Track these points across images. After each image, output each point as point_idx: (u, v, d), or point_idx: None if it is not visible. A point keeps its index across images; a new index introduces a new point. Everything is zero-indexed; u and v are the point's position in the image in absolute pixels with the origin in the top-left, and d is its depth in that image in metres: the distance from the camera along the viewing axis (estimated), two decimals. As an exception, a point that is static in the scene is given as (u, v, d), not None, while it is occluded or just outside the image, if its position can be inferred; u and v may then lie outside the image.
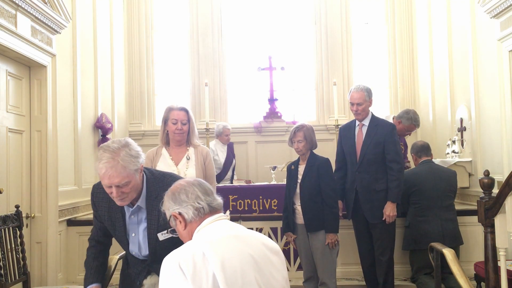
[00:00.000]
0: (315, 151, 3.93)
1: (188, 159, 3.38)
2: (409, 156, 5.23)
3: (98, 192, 2.50)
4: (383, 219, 3.98)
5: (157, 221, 2.28)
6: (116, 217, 2.39)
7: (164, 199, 1.85)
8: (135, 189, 2.23)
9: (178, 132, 3.28)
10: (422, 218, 4.31)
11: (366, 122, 4.13)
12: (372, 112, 4.19)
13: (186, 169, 3.30)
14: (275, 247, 1.75)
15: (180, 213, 1.77)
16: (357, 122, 4.18)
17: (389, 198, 3.97)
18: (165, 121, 3.37)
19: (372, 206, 4.01)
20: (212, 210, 1.77)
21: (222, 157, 6.04)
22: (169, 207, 1.81)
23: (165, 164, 3.30)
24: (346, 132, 4.26)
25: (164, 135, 3.39)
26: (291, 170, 4.01)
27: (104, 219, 2.48)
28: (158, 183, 2.32)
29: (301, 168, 3.91)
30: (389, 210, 3.96)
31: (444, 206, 4.32)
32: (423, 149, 4.57)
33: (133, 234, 2.37)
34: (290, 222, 3.90)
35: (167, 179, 2.32)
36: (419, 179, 4.39)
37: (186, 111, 3.35)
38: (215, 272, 1.52)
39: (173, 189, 1.82)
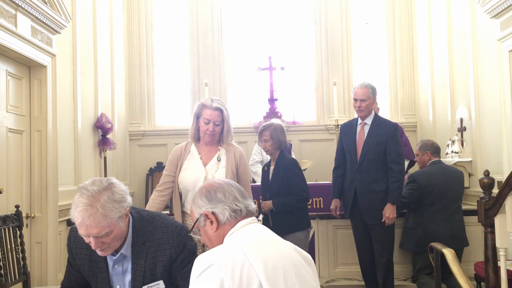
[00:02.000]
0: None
1: (219, 160, 3.05)
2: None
3: (76, 237, 2.06)
4: (382, 220, 3.93)
5: (143, 271, 1.98)
6: (99, 267, 2.04)
7: (196, 196, 1.69)
8: (118, 238, 1.91)
9: (209, 133, 2.96)
10: (431, 219, 4.24)
11: (369, 121, 4.05)
12: (375, 112, 4.13)
13: (216, 171, 2.98)
14: (308, 256, 1.65)
15: (213, 213, 1.64)
16: (359, 121, 4.10)
17: (389, 199, 3.90)
18: (197, 117, 3.04)
19: (370, 207, 3.95)
20: (248, 214, 1.67)
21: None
22: (201, 205, 1.66)
23: (193, 163, 3.03)
24: (347, 130, 4.16)
25: (196, 131, 3.05)
26: (264, 171, 3.94)
27: (84, 268, 2.09)
28: (146, 227, 2.01)
29: (272, 169, 3.85)
30: (389, 212, 3.90)
31: (453, 207, 4.29)
32: (437, 150, 4.49)
33: (118, 287, 2.04)
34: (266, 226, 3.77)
35: (156, 221, 2.03)
36: (432, 179, 4.29)
37: (221, 111, 2.96)
38: (257, 272, 1.43)
39: (207, 187, 1.70)
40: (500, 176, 4.34)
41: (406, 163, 5.20)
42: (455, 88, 5.61)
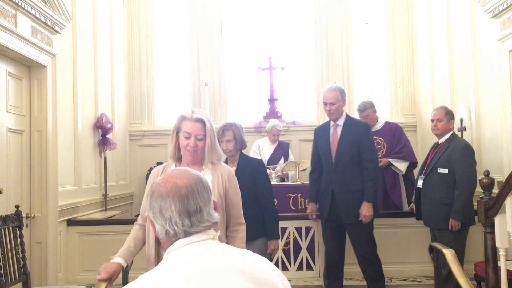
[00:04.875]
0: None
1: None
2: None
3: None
4: (360, 219, 3.92)
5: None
6: None
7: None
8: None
9: (190, 150, 2.49)
10: None
11: (341, 122, 4.11)
12: (346, 112, 4.19)
13: None
14: (268, 278, 1.31)
15: (151, 221, 1.41)
16: (332, 123, 4.15)
17: (365, 198, 3.91)
18: (176, 131, 2.57)
19: (348, 206, 3.95)
20: (188, 234, 1.35)
21: (267, 154, 6.01)
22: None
23: None
24: (320, 133, 4.21)
25: (175, 149, 2.58)
26: None
27: None
28: None
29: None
30: (365, 210, 3.89)
31: None
32: None
33: None
34: None
35: None
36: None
37: (203, 122, 2.51)
38: None
39: (153, 187, 1.41)
40: (500, 176, 4.34)
41: (406, 164, 5.22)
42: (455, 88, 5.61)
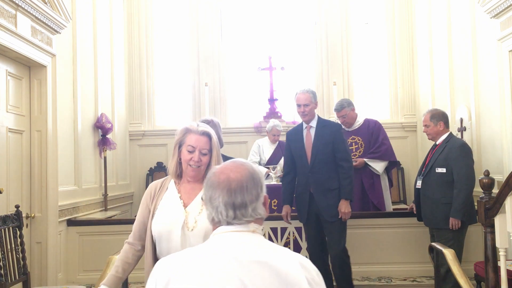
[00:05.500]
0: None
1: (203, 199, 2.39)
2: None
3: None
4: (339, 217, 4.01)
5: None
6: None
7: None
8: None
9: (194, 165, 2.30)
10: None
11: (314, 123, 4.18)
12: (317, 115, 4.25)
13: (199, 214, 2.27)
14: (295, 280, 1.36)
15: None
16: (304, 125, 4.21)
17: (342, 195, 4.01)
18: (179, 145, 2.37)
19: (328, 205, 4.03)
20: (230, 224, 1.46)
21: (267, 154, 6.01)
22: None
23: (170, 202, 2.33)
24: (294, 136, 4.26)
25: (176, 165, 2.36)
26: None
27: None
28: None
29: None
30: (344, 207, 3.99)
31: None
32: (448, 120, 4.29)
33: None
34: None
35: None
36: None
37: (209, 136, 2.36)
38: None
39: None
40: (500, 176, 4.34)
41: (383, 164, 5.04)
42: (455, 88, 5.61)
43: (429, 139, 4.35)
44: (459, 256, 3.87)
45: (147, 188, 2.43)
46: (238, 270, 1.34)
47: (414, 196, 4.37)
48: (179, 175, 2.37)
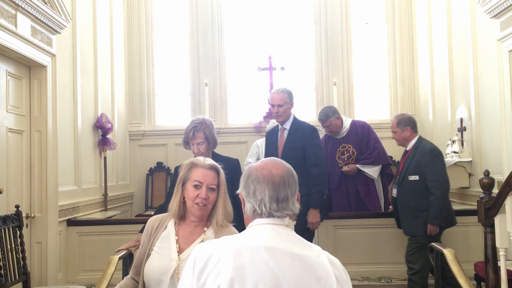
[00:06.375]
0: None
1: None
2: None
3: None
4: (307, 226, 3.80)
5: None
6: None
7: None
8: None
9: (201, 203, 2.10)
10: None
11: (288, 125, 3.97)
12: (294, 115, 4.03)
13: None
14: (324, 274, 1.43)
15: (243, 198, 1.61)
16: (279, 126, 4.03)
17: (311, 204, 3.77)
18: (183, 182, 2.17)
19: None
20: (270, 215, 1.54)
21: None
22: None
23: (165, 245, 2.14)
24: (270, 137, 4.10)
25: (180, 204, 2.17)
26: None
27: None
28: None
29: None
30: (312, 217, 3.78)
31: None
32: (416, 124, 4.23)
33: None
34: None
35: None
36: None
37: (217, 171, 2.18)
38: (220, 285, 1.40)
39: (251, 170, 1.60)
40: (500, 176, 4.34)
41: (377, 168, 4.87)
42: (455, 88, 5.61)
43: (398, 145, 4.30)
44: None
45: (147, 222, 2.27)
46: (271, 261, 1.42)
47: (392, 205, 4.33)
48: (182, 216, 2.19)
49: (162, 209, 2.65)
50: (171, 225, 2.19)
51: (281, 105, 3.93)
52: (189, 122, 3.31)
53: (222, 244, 1.49)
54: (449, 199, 4.11)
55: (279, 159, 1.66)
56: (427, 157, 3.92)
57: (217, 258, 1.44)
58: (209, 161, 2.19)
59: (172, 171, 6.24)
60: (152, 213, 4.03)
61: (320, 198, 3.83)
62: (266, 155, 4.08)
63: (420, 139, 4.11)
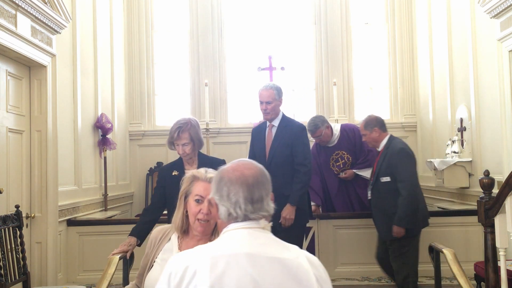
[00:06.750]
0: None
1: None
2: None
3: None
4: (279, 221, 3.66)
5: None
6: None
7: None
8: None
9: (203, 219, 2.03)
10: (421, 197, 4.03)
11: (276, 122, 3.87)
12: (283, 113, 3.95)
13: None
14: (304, 276, 1.42)
15: (216, 204, 1.55)
16: (267, 123, 3.94)
17: (289, 200, 3.66)
18: (184, 196, 2.12)
19: (280, 211, 3.67)
20: (246, 219, 1.50)
21: None
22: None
23: (166, 257, 2.07)
24: (257, 134, 4.00)
25: (183, 218, 2.11)
26: (173, 177, 3.08)
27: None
28: None
29: None
30: (286, 213, 3.65)
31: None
32: (384, 123, 4.13)
33: None
34: None
35: None
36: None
37: None
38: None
39: (223, 173, 1.54)
40: (500, 176, 4.34)
41: (369, 171, 4.70)
42: (455, 88, 5.61)
43: (370, 147, 4.25)
44: (415, 262, 3.89)
45: (153, 232, 2.25)
46: (250, 267, 1.39)
47: (369, 207, 4.28)
48: (185, 231, 2.12)
49: (149, 212, 2.62)
50: (174, 237, 2.15)
51: (270, 102, 3.80)
52: (174, 122, 3.23)
53: (198, 254, 1.44)
54: (423, 199, 4.00)
55: (249, 160, 1.61)
56: (396, 157, 3.84)
57: (193, 271, 1.40)
58: (211, 173, 2.09)
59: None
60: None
61: (300, 196, 3.73)
62: (253, 152, 3.99)
63: (391, 138, 4.01)
